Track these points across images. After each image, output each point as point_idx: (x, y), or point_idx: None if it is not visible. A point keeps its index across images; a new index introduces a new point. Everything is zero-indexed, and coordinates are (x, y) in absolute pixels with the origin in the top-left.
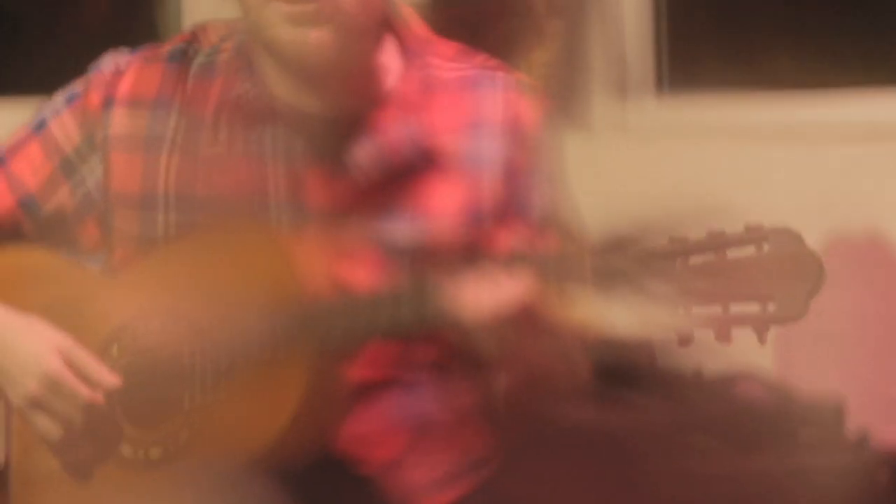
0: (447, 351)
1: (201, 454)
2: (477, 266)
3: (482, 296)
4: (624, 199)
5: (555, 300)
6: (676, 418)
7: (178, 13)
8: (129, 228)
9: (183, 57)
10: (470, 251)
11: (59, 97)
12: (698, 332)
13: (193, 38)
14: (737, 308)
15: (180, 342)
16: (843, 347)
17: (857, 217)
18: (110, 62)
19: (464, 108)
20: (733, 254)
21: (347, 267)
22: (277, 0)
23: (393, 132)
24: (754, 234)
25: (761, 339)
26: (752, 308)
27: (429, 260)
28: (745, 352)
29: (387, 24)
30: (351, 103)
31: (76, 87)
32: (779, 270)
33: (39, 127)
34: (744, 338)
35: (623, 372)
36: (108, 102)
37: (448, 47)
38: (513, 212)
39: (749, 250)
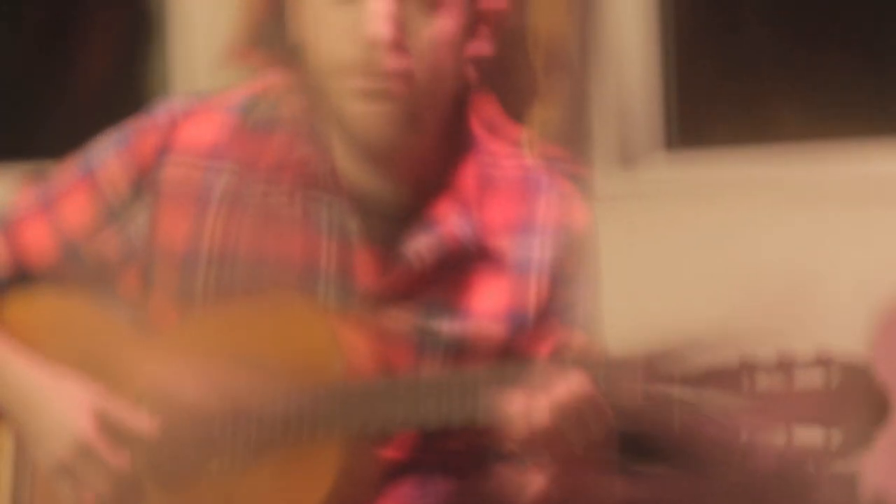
0: (476, 441)
1: None
2: (521, 368)
3: (535, 401)
4: (642, 268)
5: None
6: (698, 490)
7: (165, 77)
8: (170, 282)
9: (243, 109)
10: (510, 353)
11: (108, 140)
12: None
13: (257, 89)
14: (801, 434)
15: (213, 407)
16: None
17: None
18: (166, 108)
19: (518, 209)
20: (800, 379)
21: (389, 353)
22: (351, 75)
23: (448, 225)
24: (824, 361)
25: (820, 472)
26: (816, 436)
27: (468, 357)
28: None
29: (454, 113)
30: (411, 189)
31: (126, 131)
32: (845, 403)
33: (85, 170)
34: None
35: (645, 443)
36: (160, 150)
37: (504, 147)
38: (558, 316)
39: (817, 379)
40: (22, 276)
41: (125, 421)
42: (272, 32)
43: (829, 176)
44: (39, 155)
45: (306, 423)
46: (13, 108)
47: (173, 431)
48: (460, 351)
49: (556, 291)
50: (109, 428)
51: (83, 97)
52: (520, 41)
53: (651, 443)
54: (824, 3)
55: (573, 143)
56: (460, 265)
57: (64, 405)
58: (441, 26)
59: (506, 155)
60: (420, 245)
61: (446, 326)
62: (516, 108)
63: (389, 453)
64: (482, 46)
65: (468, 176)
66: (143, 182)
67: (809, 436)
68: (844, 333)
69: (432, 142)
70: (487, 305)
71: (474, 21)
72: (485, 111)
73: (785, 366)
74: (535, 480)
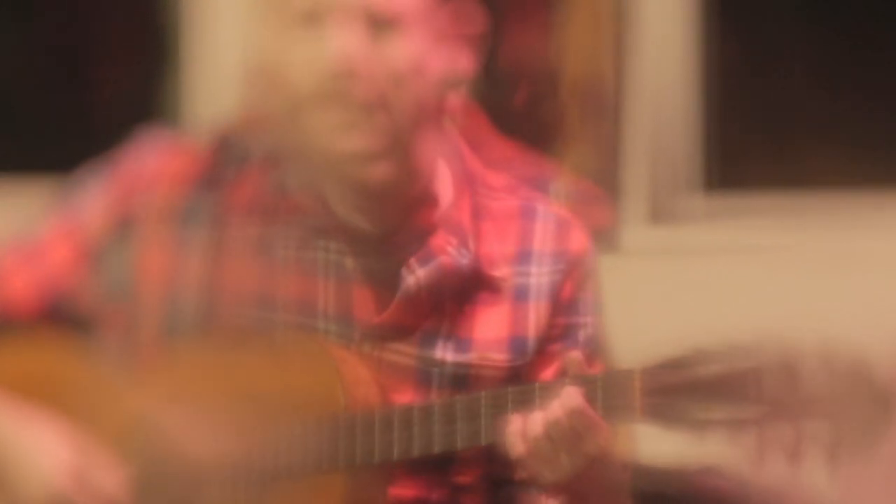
0: (485, 472)
1: None
2: (521, 390)
3: (529, 420)
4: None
5: (604, 425)
6: None
7: (179, 97)
8: (157, 322)
9: (228, 147)
10: (514, 380)
11: (90, 181)
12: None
13: (240, 127)
14: (808, 429)
15: (216, 448)
16: None
17: None
18: (149, 145)
19: (512, 237)
20: (806, 380)
21: (392, 385)
22: (322, 108)
23: (445, 256)
24: (827, 360)
25: (830, 465)
26: (823, 434)
27: (472, 386)
28: None
29: (442, 155)
30: (406, 226)
31: (108, 170)
32: (850, 401)
33: (68, 217)
34: None
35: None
36: (143, 188)
37: (499, 179)
38: (560, 341)
39: (821, 378)
40: (5, 327)
41: (103, 480)
42: None
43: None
44: (56, 169)
45: (311, 458)
46: (30, 122)
47: (158, 468)
48: (463, 380)
49: (557, 317)
50: (87, 486)
51: (98, 114)
52: (553, 85)
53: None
54: (866, 47)
55: (606, 183)
56: (459, 295)
57: (43, 456)
58: (404, 49)
59: (500, 188)
60: (417, 277)
61: (448, 357)
62: (549, 151)
63: (399, 491)
64: (461, 67)
65: (463, 207)
66: (127, 222)
67: (816, 435)
68: None
69: (423, 184)
70: (488, 334)
71: (446, 41)
72: (472, 128)
73: (789, 368)
74: None
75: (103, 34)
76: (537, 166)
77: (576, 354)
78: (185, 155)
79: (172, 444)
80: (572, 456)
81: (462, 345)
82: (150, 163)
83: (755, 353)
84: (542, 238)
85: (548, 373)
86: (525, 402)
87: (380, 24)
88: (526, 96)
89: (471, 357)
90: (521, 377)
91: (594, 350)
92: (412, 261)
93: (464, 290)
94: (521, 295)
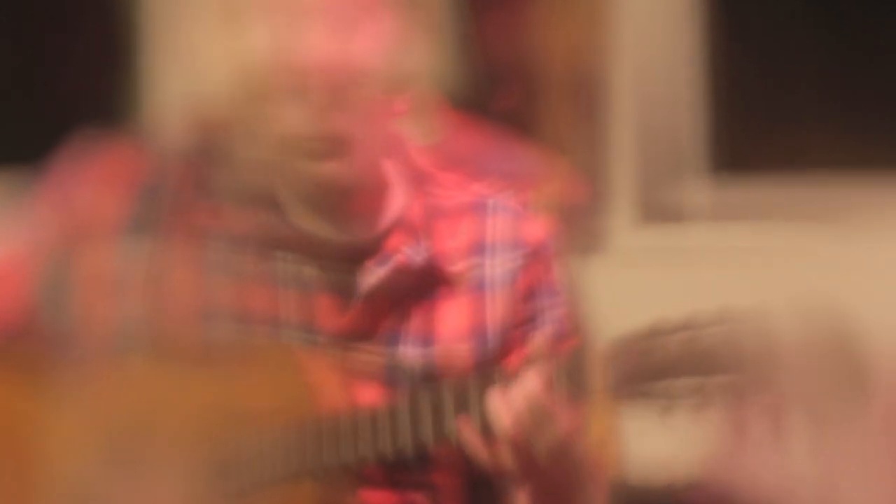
0: (451, 471)
1: None
2: (490, 379)
3: (496, 405)
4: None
5: (570, 408)
6: None
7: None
8: (105, 338)
9: (177, 152)
10: (481, 370)
11: (33, 192)
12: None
13: (192, 131)
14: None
15: (186, 458)
16: None
17: None
18: (89, 149)
19: (465, 232)
20: (781, 339)
21: (358, 388)
22: (294, 137)
23: (399, 258)
24: (804, 330)
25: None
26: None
27: (440, 380)
28: None
29: (393, 157)
30: (360, 229)
31: (48, 177)
32: (826, 371)
33: (23, 241)
34: None
35: None
36: (83, 196)
37: (450, 177)
38: (526, 329)
39: (795, 346)
40: None
41: None
42: None
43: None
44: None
45: (279, 465)
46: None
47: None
48: (431, 376)
49: (518, 304)
50: None
51: (57, 109)
52: (539, 82)
53: None
54: (873, 27)
55: (597, 181)
56: (418, 293)
57: None
58: (365, 46)
59: (452, 187)
60: (375, 278)
61: (413, 354)
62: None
63: (373, 496)
64: (414, 64)
65: (415, 206)
66: (69, 234)
67: (791, 407)
68: None
69: (373, 172)
70: (450, 327)
71: (400, 39)
72: (423, 160)
73: (760, 337)
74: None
75: (64, 29)
76: (516, 158)
77: (538, 339)
78: (127, 159)
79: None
80: (535, 443)
81: (426, 340)
82: (91, 169)
83: (720, 323)
84: (494, 230)
85: (513, 359)
86: (487, 389)
87: (343, 20)
88: (512, 96)
89: (435, 351)
90: (488, 367)
91: (560, 334)
92: (369, 263)
93: (422, 288)
94: (478, 286)
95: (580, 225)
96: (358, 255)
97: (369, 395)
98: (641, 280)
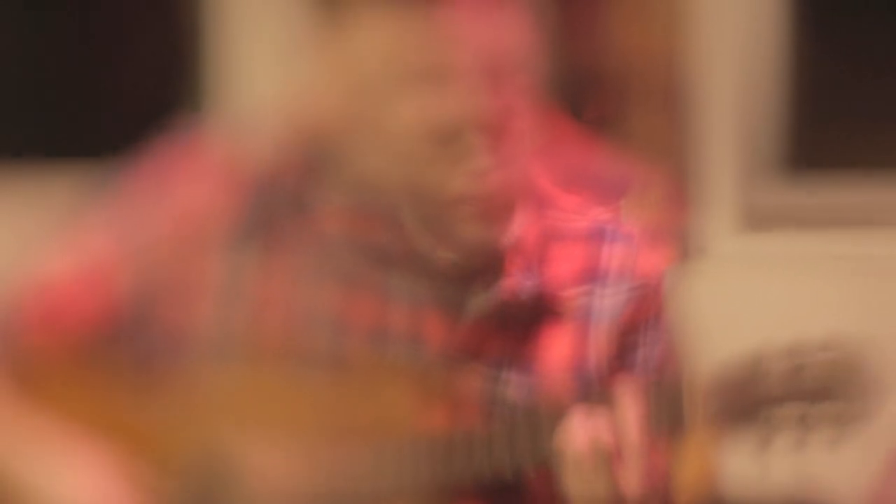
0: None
1: None
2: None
3: (587, 431)
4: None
5: (664, 440)
6: None
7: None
8: (211, 342)
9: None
10: (580, 398)
11: (130, 179)
12: None
13: (288, 139)
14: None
15: (297, 476)
16: None
17: None
18: (191, 141)
19: (579, 257)
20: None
21: (462, 410)
22: (464, 203)
23: (513, 281)
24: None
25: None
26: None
27: (537, 406)
28: None
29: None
30: (481, 253)
31: (148, 167)
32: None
33: (111, 214)
34: None
35: None
36: (192, 191)
37: (572, 200)
38: (626, 361)
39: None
40: (56, 343)
41: None
42: None
43: None
44: (89, 154)
45: (376, 480)
46: (61, 109)
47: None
48: (530, 403)
49: (623, 338)
50: None
51: (127, 102)
52: (629, 88)
53: None
54: None
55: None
56: (525, 318)
57: (74, 490)
58: (519, 104)
59: (572, 210)
60: (483, 301)
61: (515, 380)
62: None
63: None
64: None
65: (532, 232)
66: (186, 234)
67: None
68: None
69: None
70: (553, 356)
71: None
72: (553, 137)
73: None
74: None
75: (131, 21)
76: (619, 171)
77: (622, 384)
78: (228, 156)
79: (246, 476)
80: (598, 483)
81: (528, 366)
82: (191, 163)
83: (826, 350)
84: (609, 259)
85: (612, 388)
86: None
87: (499, 74)
88: (603, 104)
89: (537, 378)
90: (587, 395)
91: (659, 367)
92: (481, 284)
93: (530, 313)
94: (584, 314)
95: (681, 233)
96: (470, 275)
97: (468, 417)
98: (740, 287)
